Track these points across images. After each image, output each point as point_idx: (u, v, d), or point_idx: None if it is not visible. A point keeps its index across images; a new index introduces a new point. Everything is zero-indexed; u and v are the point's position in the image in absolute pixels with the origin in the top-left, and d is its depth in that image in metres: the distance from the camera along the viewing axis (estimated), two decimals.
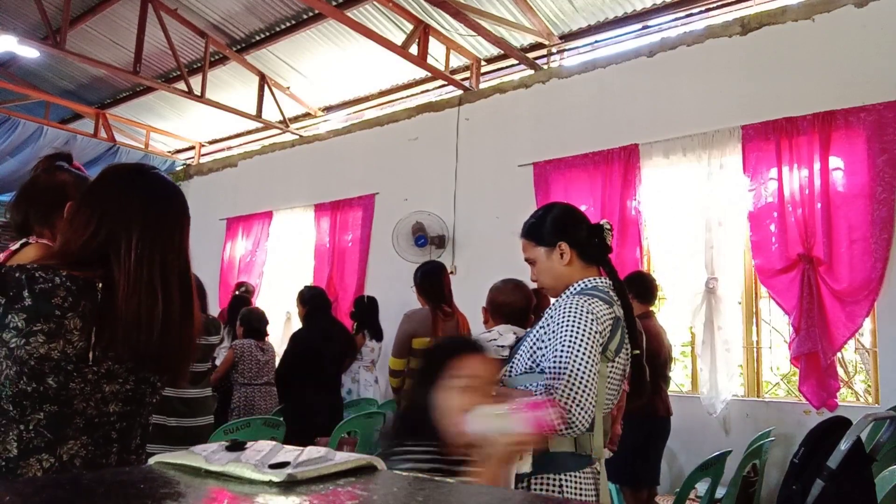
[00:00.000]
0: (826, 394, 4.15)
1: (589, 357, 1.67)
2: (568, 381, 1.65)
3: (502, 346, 2.14)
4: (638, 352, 1.78)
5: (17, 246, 1.55)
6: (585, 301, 1.74)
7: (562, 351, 1.68)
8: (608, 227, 1.90)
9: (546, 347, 1.75)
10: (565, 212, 1.96)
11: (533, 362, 1.81)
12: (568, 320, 1.71)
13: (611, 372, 1.75)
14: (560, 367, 1.67)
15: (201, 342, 3.89)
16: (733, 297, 4.71)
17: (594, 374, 1.66)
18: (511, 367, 1.88)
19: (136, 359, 1.30)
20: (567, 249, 1.87)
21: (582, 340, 1.68)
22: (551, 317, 1.77)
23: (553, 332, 1.73)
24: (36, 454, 1.22)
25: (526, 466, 1.72)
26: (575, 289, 1.84)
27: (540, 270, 1.93)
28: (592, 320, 1.70)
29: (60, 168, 1.65)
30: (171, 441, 3.60)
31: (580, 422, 1.64)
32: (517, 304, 2.59)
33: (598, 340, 1.69)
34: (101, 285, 1.28)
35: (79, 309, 1.24)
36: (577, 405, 1.63)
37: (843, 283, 4.18)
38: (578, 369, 1.65)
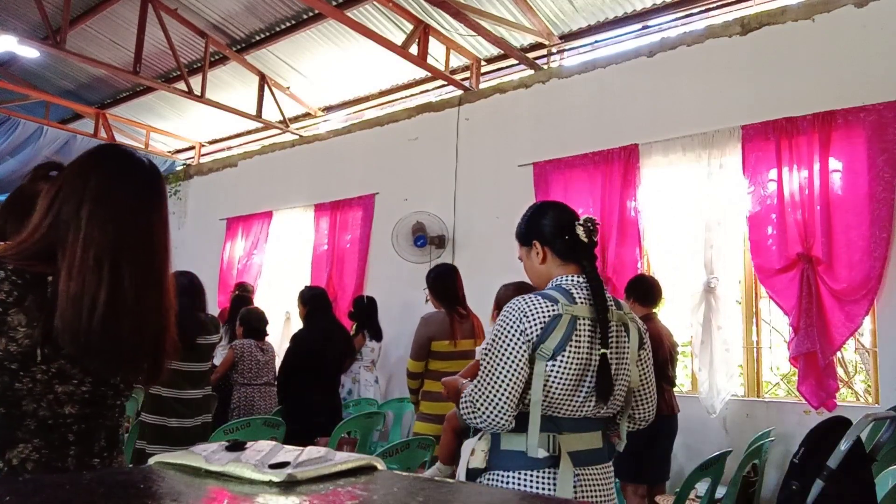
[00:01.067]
0: (825, 394, 4.15)
1: (502, 355, 1.71)
2: (482, 380, 1.72)
3: None
4: (605, 351, 1.74)
5: None
6: (523, 300, 1.76)
7: (487, 349, 1.76)
8: (586, 223, 1.86)
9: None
10: (540, 210, 1.96)
11: None
12: (498, 321, 1.77)
13: (552, 370, 1.70)
14: (483, 366, 1.75)
15: (200, 342, 3.88)
16: (732, 297, 4.71)
17: (508, 371, 1.69)
18: None
19: (79, 350, 1.18)
20: (540, 248, 1.90)
21: (502, 339, 1.73)
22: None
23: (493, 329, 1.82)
24: None
25: (478, 461, 1.78)
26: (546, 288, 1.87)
27: (525, 269, 1.98)
28: (516, 319, 1.72)
29: (47, 177, 1.53)
30: (172, 441, 3.61)
31: (494, 419, 1.69)
32: None
33: (517, 338, 1.70)
34: (51, 279, 1.20)
35: (24, 304, 1.16)
36: (488, 402, 1.69)
37: (842, 282, 4.18)
38: (493, 368, 1.71)
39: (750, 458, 3.64)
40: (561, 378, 1.72)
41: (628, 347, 1.84)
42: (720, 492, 3.46)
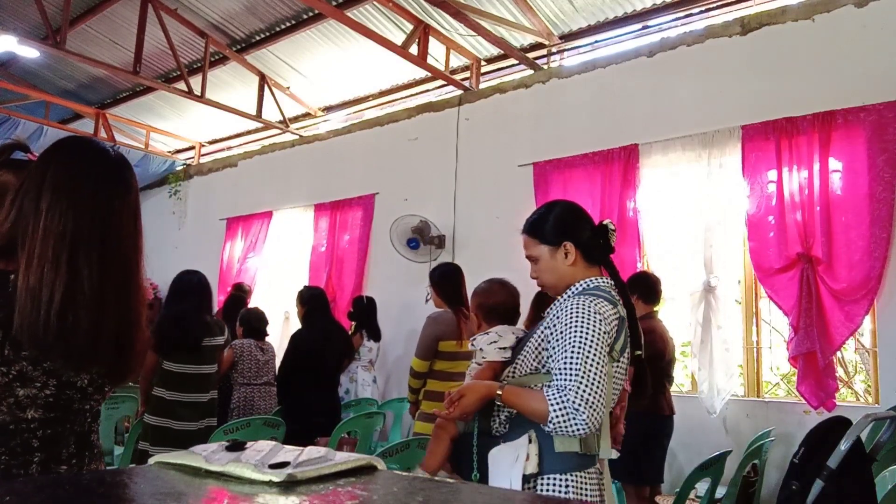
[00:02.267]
0: (824, 394, 4.15)
1: (598, 358, 1.67)
2: (580, 383, 1.65)
3: (504, 348, 2.13)
4: (639, 352, 1.78)
5: None
6: (591, 301, 1.74)
7: (572, 352, 1.68)
8: (612, 227, 1.90)
9: (553, 348, 1.74)
10: (571, 211, 1.95)
11: (539, 363, 1.81)
12: (576, 321, 1.71)
13: (615, 372, 1.75)
14: (571, 369, 1.66)
15: (207, 344, 3.87)
16: (732, 297, 4.71)
17: (603, 374, 1.67)
18: (514, 368, 1.88)
19: (37, 346, 1.13)
20: (572, 249, 1.86)
21: (591, 341, 1.68)
22: (557, 317, 1.76)
23: (561, 333, 1.73)
24: None
25: (532, 467, 1.73)
26: (577, 289, 1.84)
27: (542, 269, 1.91)
28: (600, 321, 1.71)
29: (12, 163, 1.43)
30: (174, 444, 3.60)
31: (591, 423, 1.64)
32: (508, 303, 2.60)
33: (605, 341, 1.70)
34: (13, 277, 1.16)
35: None
36: (589, 406, 1.63)
37: (841, 282, 4.18)
38: (589, 370, 1.65)
39: (750, 458, 3.64)
40: (619, 378, 1.77)
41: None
42: (720, 492, 3.46)
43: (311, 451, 0.91)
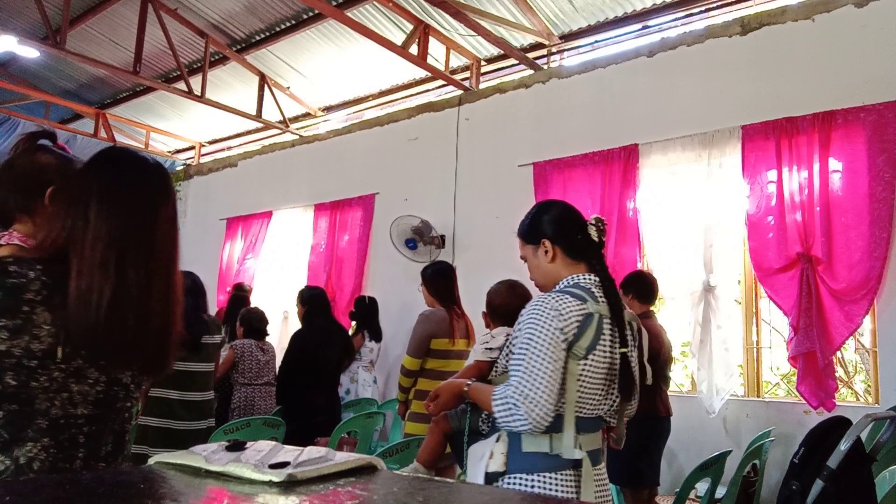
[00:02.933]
0: (824, 394, 4.15)
1: (543, 354, 1.66)
2: (521, 379, 1.66)
3: (491, 349, 2.15)
4: (625, 350, 1.74)
5: None
6: (553, 298, 1.74)
7: (519, 349, 1.71)
8: (597, 222, 1.87)
9: (513, 346, 1.77)
10: (548, 209, 1.95)
11: (508, 363, 1.82)
12: (530, 318, 1.72)
13: (583, 370, 1.70)
14: (516, 365, 1.69)
15: (206, 342, 3.88)
16: (732, 297, 4.72)
17: (550, 370, 1.65)
18: (496, 368, 1.92)
19: (90, 346, 1.22)
20: (550, 246, 1.88)
21: (538, 337, 1.68)
22: (521, 316, 1.79)
23: (518, 331, 1.76)
24: None
25: (496, 465, 1.74)
26: (558, 287, 1.84)
27: (531, 268, 1.95)
28: (554, 317, 1.69)
29: (42, 148, 1.52)
30: (176, 444, 3.59)
31: (533, 419, 1.63)
32: (511, 305, 2.61)
33: (557, 337, 1.68)
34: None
35: (51, 303, 1.19)
36: (528, 401, 1.63)
37: (841, 282, 4.18)
38: (531, 366, 1.66)
39: (750, 458, 3.64)
40: (591, 377, 1.72)
41: (640, 347, 1.85)
42: (720, 492, 3.46)
43: (311, 451, 0.92)
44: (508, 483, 1.74)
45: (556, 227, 1.89)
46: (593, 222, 1.86)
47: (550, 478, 1.71)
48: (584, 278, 1.83)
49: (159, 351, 1.32)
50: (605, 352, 1.75)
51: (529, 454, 1.72)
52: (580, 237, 1.86)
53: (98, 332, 1.20)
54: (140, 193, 1.33)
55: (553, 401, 1.65)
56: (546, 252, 1.88)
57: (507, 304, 2.73)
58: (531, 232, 1.93)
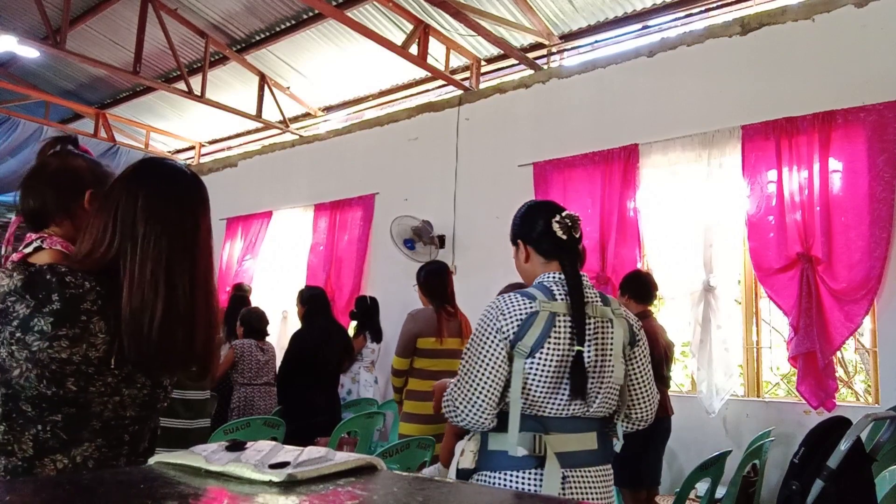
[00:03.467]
0: (824, 394, 4.15)
1: (481, 355, 1.72)
2: (459, 379, 1.75)
3: None
4: (580, 348, 1.72)
5: (30, 249, 1.47)
6: (501, 299, 1.78)
7: (465, 351, 1.78)
8: (564, 219, 1.84)
9: None
10: (522, 210, 1.97)
11: None
12: (478, 321, 1.79)
13: (531, 368, 1.70)
14: (461, 367, 1.77)
15: None
16: (732, 297, 4.71)
17: (486, 371, 1.70)
18: None
19: (142, 359, 1.26)
20: (523, 247, 1.91)
21: (478, 338, 1.75)
22: None
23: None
24: (50, 454, 1.22)
25: (466, 462, 1.78)
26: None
27: (516, 269, 1.98)
28: (494, 317, 1.74)
29: (71, 152, 1.56)
30: (173, 443, 3.60)
31: (469, 417, 1.72)
32: None
33: (494, 337, 1.71)
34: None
35: (105, 313, 1.23)
36: (464, 400, 1.72)
37: (841, 282, 4.18)
38: (470, 367, 1.74)
39: (750, 458, 3.64)
40: (540, 375, 1.71)
41: (612, 344, 1.79)
42: (720, 492, 3.46)
43: (311, 451, 0.91)
44: (477, 480, 1.77)
45: (523, 227, 1.91)
46: (559, 219, 1.83)
47: (512, 475, 1.72)
48: (550, 277, 1.82)
49: (205, 358, 1.37)
50: (559, 349, 1.71)
51: (493, 452, 1.75)
52: (545, 235, 1.85)
53: (151, 347, 1.24)
54: (183, 208, 1.35)
55: (491, 400, 1.70)
56: (521, 252, 1.91)
57: None
58: (512, 234, 1.97)
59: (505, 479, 1.72)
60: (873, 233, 4.10)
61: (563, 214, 1.85)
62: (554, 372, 1.71)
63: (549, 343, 1.71)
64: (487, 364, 1.70)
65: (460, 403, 1.72)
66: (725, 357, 4.54)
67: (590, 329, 1.75)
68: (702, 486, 3.49)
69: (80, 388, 1.21)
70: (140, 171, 1.37)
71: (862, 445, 2.31)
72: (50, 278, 1.19)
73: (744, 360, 4.77)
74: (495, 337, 1.71)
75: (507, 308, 1.74)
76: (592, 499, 1.75)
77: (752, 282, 4.76)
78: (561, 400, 1.73)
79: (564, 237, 1.83)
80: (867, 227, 4.12)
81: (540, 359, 1.70)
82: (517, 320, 1.72)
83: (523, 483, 1.71)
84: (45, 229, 1.51)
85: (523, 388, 1.70)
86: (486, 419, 1.71)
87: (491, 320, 1.74)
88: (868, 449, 2.35)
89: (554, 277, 1.82)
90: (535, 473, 1.71)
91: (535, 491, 1.70)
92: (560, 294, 1.77)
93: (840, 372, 4.97)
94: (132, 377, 1.28)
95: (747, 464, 3.63)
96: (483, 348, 1.72)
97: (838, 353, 4.68)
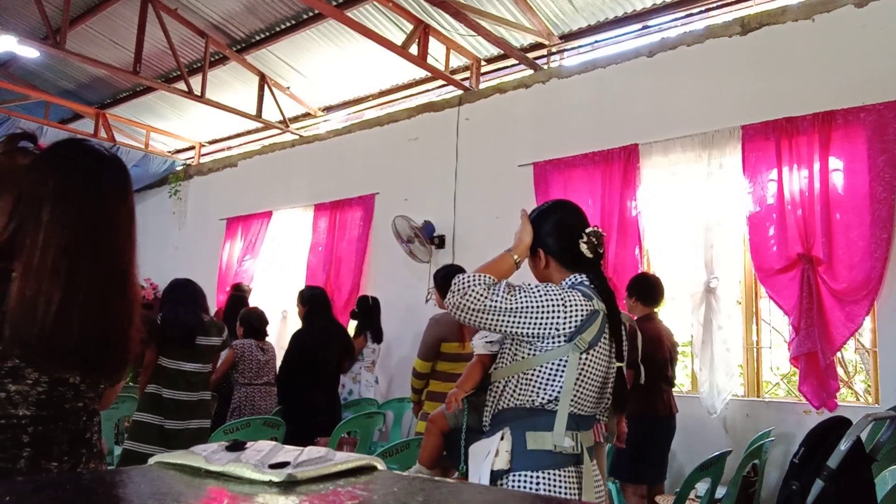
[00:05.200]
0: (826, 394, 4.15)
1: (532, 295, 1.72)
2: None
3: (491, 342, 2.18)
4: (621, 364, 1.76)
5: None
6: (563, 290, 1.76)
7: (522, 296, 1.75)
8: (590, 236, 1.84)
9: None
10: (547, 217, 1.93)
11: (512, 354, 1.82)
12: (538, 295, 1.75)
13: (584, 365, 1.71)
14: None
15: (200, 342, 3.88)
16: (732, 297, 4.71)
17: (514, 300, 1.72)
18: (500, 359, 1.91)
19: (27, 352, 1.16)
20: (543, 256, 1.90)
21: (539, 293, 1.73)
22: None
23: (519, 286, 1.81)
24: None
25: (501, 463, 1.74)
26: (565, 284, 1.85)
27: (532, 273, 1.98)
28: (561, 303, 1.72)
29: (22, 150, 1.47)
30: (164, 442, 3.60)
31: (470, 290, 1.74)
32: None
33: (560, 320, 1.71)
34: (14, 275, 1.17)
35: None
36: (474, 282, 1.74)
37: (842, 282, 4.18)
38: (521, 290, 1.75)
39: (750, 458, 3.64)
40: (591, 374, 1.73)
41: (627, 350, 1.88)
42: (720, 492, 3.46)
43: (311, 451, 0.91)
44: (513, 480, 1.73)
45: (548, 240, 1.89)
46: (586, 238, 1.83)
47: (554, 475, 1.71)
48: (583, 280, 1.84)
49: (108, 352, 1.27)
50: (605, 351, 1.76)
51: (533, 452, 1.72)
52: (569, 252, 1.86)
53: (42, 338, 1.15)
54: (99, 193, 1.26)
55: (498, 295, 1.72)
56: (540, 261, 1.91)
57: None
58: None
59: (547, 479, 1.71)
60: (874, 233, 4.10)
61: (589, 232, 1.85)
62: (602, 374, 1.75)
63: (603, 342, 1.75)
64: (538, 308, 1.71)
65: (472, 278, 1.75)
66: (726, 357, 4.55)
67: (624, 345, 1.83)
68: (702, 486, 3.49)
69: None
70: (54, 151, 1.29)
71: (862, 445, 2.30)
72: None
73: (744, 360, 4.77)
74: (558, 328, 1.71)
75: (572, 300, 1.73)
76: (596, 493, 1.78)
77: (752, 282, 4.76)
78: (592, 399, 1.76)
79: (590, 255, 1.84)
80: (867, 228, 4.12)
81: (594, 355, 1.73)
82: (581, 314, 1.72)
83: (564, 481, 1.71)
84: None
85: (575, 382, 1.70)
86: (483, 299, 1.73)
87: (551, 305, 1.71)
88: (868, 449, 2.35)
89: (586, 282, 1.83)
90: (573, 472, 1.72)
91: (574, 489, 1.71)
92: (598, 298, 1.81)
93: (840, 372, 4.96)
94: (18, 372, 1.18)
95: (747, 464, 3.63)
96: (542, 299, 1.72)
97: (838, 353, 4.68)
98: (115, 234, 1.28)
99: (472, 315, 1.72)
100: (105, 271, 1.24)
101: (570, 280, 1.85)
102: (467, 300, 1.71)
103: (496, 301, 1.70)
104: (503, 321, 1.71)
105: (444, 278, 3.94)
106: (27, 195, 1.21)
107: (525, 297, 1.72)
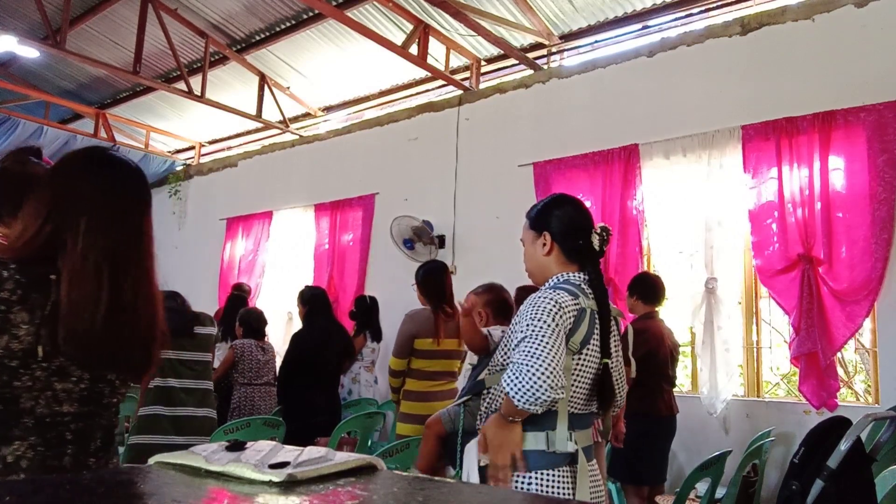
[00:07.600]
0: (826, 394, 4.15)
1: (548, 333, 1.65)
2: (524, 357, 1.63)
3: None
4: (606, 361, 1.75)
5: None
6: (553, 292, 1.74)
7: (523, 334, 1.68)
8: (602, 232, 1.86)
9: (512, 339, 1.76)
10: (561, 205, 1.94)
11: (505, 359, 1.81)
12: (531, 309, 1.72)
13: (577, 365, 1.71)
14: (521, 350, 1.66)
15: (198, 332, 3.90)
16: (733, 297, 4.71)
17: (551, 354, 1.62)
18: (492, 363, 1.91)
19: (80, 352, 1.23)
20: (549, 240, 1.88)
21: (540, 320, 1.67)
22: (520, 310, 1.78)
23: (518, 322, 1.75)
24: None
25: (486, 461, 1.74)
26: (550, 284, 1.84)
27: (525, 253, 1.96)
28: (555, 308, 1.70)
29: (32, 162, 1.59)
30: (177, 430, 3.61)
31: (544, 390, 1.59)
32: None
33: (557, 323, 1.68)
34: (54, 278, 1.23)
35: (27, 303, 1.18)
36: (537, 373, 1.60)
37: (842, 283, 4.18)
38: (536, 341, 1.64)
39: (750, 458, 3.64)
40: (585, 373, 1.73)
41: (618, 346, 1.87)
42: (720, 492, 3.46)
43: (311, 451, 0.92)
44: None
45: (562, 227, 1.88)
46: (598, 231, 1.85)
47: (547, 475, 1.71)
48: (574, 276, 1.84)
49: (146, 353, 1.34)
50: (597, 348, 1.75)
51: (526, 452, 1.72)
52: (582, 243, 1.85)
53: (92, 340, 1.21)
54: (127, 200, 1.35)
55: (556, 377, 1.61)
56: (544, 244, 1.88)
57: (493, 300, 2.86)
58: (538, 220, 1.92)
59: (540, 479, 1.70)
60: (874, 233, 4.10)
61: (601, 227, 1.87)
62: (594, 370, 1.75)
63: (593, 341, 1.74)
64: (550, 349, 1.63)
65: (536, 377, 1.59)
66: (726, 357, 4.55)
67: (613, 340, 1.81)
68: (702, 486, 3.49)
69: (3, 383, 1.17)
70: (83, 161, 1.36)
71: (862, 445, 2.31)
72: None
73: (744, 360, 4.77)
74: (557, 323, 1.67)
75: (563, 302, 1.71)
76: (594, 493, 1.77)
77: (753, 282, 4.76)
78: (586, 397, 1.76)
79: (597, 249, 1.85)
80: (868, 228, 4.12)
81: (585, 356, 1.73)
82: (571, 315, 1.71)
83: (558, 481, 1.71)
84: None
85: (570, 384, 1.70)
86: (560, 391, 1.62)
87: (551, 311, 1.68)
88: (868, 449, 2.35)
89: (578, 277, 1.83)
90: (568, 471, 1.72)
91: (570, 487, 1.71)
92: (589, 293, 1.80)
93: (840, 372, 4.96)
94: (64, 370, 1.23)
95: (747, 464, 3.63)
96: (550, 330, 1.65)
97: (839, 353, 4.68)
98: (144, 238, 1.36)
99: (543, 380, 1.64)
100: (140, 275, 1.32)
101: (553, 280, 1.84)
102: (539, 388, 1.62)
103: (542, 360, 1.63)
104: (555, 354, 1.66)
105: (426, 275, 3.91)
106: (62, 203, 1.28)
107: (542, 329, 1.67)
